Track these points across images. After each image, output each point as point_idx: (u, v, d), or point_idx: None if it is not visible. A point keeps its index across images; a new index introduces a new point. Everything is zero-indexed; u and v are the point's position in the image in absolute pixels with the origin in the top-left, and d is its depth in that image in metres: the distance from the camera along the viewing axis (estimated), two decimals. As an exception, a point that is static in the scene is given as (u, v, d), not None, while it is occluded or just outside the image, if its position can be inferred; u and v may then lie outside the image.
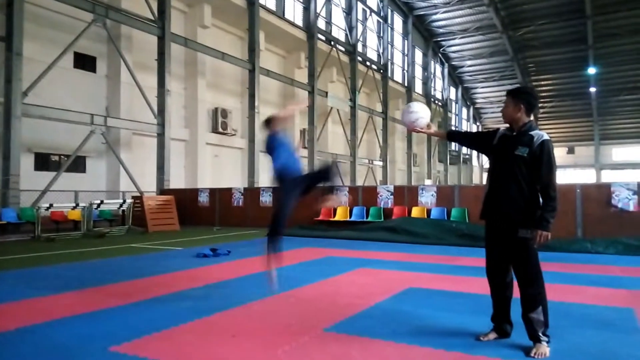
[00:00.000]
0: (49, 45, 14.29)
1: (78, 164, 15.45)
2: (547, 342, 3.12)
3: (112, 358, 3.01)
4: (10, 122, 12.31)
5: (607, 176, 45.92)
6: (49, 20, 14.63)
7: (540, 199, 3.17)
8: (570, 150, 50.32)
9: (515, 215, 3.20)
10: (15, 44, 12.34)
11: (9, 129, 12.32)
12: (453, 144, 46.38)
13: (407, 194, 12.89)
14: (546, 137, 3.18)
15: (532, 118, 3.30)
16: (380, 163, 32.09)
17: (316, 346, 3.25)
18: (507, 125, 3.39)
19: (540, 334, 3.12)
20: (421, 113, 3.67)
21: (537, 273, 3.19)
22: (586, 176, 46.57)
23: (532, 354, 3.06)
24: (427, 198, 12.53)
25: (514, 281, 3.36)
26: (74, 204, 12.66)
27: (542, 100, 46.43)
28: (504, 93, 3.48)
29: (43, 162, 14.76)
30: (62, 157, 15.11)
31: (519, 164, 3.18)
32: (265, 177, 21.19)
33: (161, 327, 3.66)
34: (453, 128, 45.81)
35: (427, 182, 36.59)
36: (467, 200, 11.93)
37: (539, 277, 3.18)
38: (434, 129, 3.74)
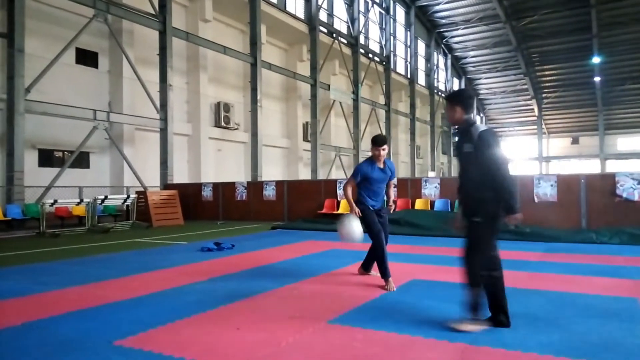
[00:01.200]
0: (51, 42, 14.29)
1: (82, 160, 15.50)
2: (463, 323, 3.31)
3: (117, 352, 3.02)
4: (14, 119, 12.35)
5: (612, 166, 45.68)
6: (50, 16, 14.63)
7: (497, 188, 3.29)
8: (575, 141, 50.01)
9: (471, 208, 3.38)
10: (17, 40, 12.35)
11: (12, 126, 12.36)
12: (456, 137, 46.26)
13: (410, 186, 12.86)
14: (483, 128, 3.34)
15: (471, 115, 3.45)
16: (384, 155, 32.01)
17: (320, 338, 3.26)
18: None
19: (462, 316, 3.33)
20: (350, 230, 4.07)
21: (473, 255, 3.37)
22: (591, 166, 46.35)
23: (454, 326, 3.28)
24: (431, 190, 12.50)
25: (502, 270, 3.46)
26: (78, 200, 12.70)
27: (546, 90, 46.16)
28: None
29: (47, 158, 14.82)
30: (65, 153, 15.16)
31: (468, 160, 3.37)
32: (267, 171, 21.22)
33: (166, 320, 3.68)
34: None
35: (431, 174, 36.54)
36: (470, 191, 11.89)
37: (473, 260, 3.36)
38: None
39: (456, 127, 3.52)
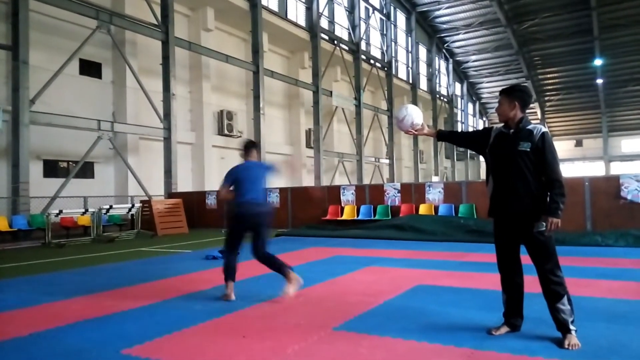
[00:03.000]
0: (55, 53, 14.42)
1: (86, 170, 15.58)
2: (576, 332, 3.14)
3: (124, 361, 3.04)
4: (19, 130, 12.44)
5: (617, 168, 45.53)
6: (53, 28, 14.76)
7: (548, 190, 3.22)
8: (578, 143, 49.93)
9: (527, 211, 3.23)
10: (21, 52, 12.46)
11: (17, 137, 12.45)
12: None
13: (414, 192, 12.86)
14: (544, 129, 3.27)
15: (526, 113, 3.36)
16: (387, 161, 32.06)
17: (326, 345, 3.27)
18: (502, 123, 3.43)
19: (570, 324, 3.13)
20: (412, 114, 3.70)
21: (557, 263, 3.23)
22: (595, 169, 46.23)
23: (566, 346, 3.06)
24: (435, 195, 12.49)
25: (524, 275, 3.41)
26: (83, 210, 12.75)
27: (548, 93, 46.17)
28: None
29: (52, 168, 14.91)
30: (70, 163, 15.25)
31: (523, 160, 3.23)
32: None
33: (172, 329, 3.69)
34: (459, 125, 45.69)
35: (435, 178, 36.49)
36: (474, 196, 11.89)
37: (559, 267, 3.22)
38: (426, 129, 3.74)
39: (506, 124, 3.36)
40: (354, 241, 10.09)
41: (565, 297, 3.17)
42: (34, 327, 3.83)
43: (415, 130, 3.70)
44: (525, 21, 35.23)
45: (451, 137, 3.89)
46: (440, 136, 3.79)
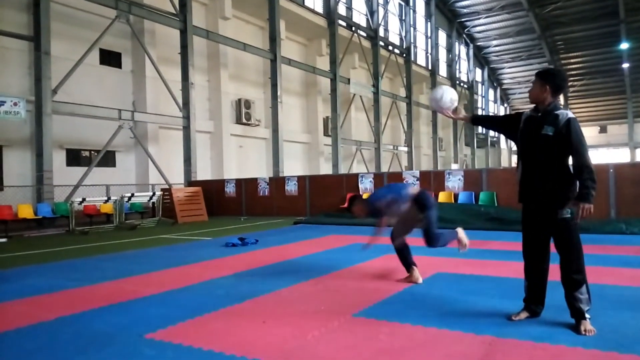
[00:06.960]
0: (75, 43, 14.59)
1: (108, 159, 15.82)
2: (590, 320, 3.13)
3: (148, 344, 3.10)
4: (42, 120, 12.67)
5: (642, 155, 44.44)
6: (74, 18, 14.92)
7: (574, 176, 3.15)
8: (603, 129, 48.81)
9: (551, 197, 3.19)
10: (43, 43, 12.65)
11: (40, 127, 12.69)
12: (480, 127, 45.57)
13: (433, 179, 12.76)
14: (571, 115, 3.17)
15: (557, 99, 3.29)
16: (405, 149, 31.80)
17: (345, 331, 3.28)
18: (533, 106, 3.38)
19: (586, 313, 3.13)
20: (448, 91, 3.75)
21: (580, 252, 3.20)
22: (620, 155, 45.18)
23: (582, 331, 3.05)
24: (454, 182, 12.37)
25: (550, 264, 3.38)
26: (105, 198, 12.99)
27: (572, 78, 45.08)
28: (533, 72, 3.44)
29: (74, 157, 15.17)
30: (92, 152, 15.50)
31: (545, 144, 3.17)
32: (289, 166, 21.30)
33: (194, 314, 3.75)
34: (479, 112, 45.00)
35: (454, 166, 36.13)
36: (495, 183, 11.74)
37: (581, 256, 3.20)
38: (463, 113, 3.77)
39: (536, 107, 3.31)
40: (373, 229, 10.05)
41: (585, 286, 3.16)
42: (60, 312, 3.93)
43: (453, 114, 3.74)
44: (547, 4, 34.34)
45: (486, 121, 3.92)
46: (475, 120, 3.84)
